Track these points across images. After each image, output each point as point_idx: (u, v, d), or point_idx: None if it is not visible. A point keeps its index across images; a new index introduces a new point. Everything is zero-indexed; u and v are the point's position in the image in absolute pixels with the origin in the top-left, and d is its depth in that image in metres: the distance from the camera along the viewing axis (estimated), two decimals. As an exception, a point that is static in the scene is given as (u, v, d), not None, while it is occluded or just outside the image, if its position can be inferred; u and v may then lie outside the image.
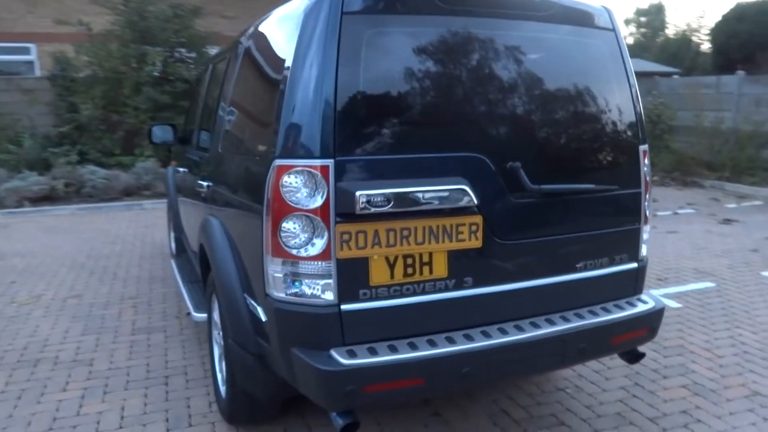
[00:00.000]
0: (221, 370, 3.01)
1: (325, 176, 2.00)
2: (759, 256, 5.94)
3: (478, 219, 2.19)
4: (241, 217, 2.46)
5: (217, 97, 3.09)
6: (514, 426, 2.87)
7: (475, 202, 2.14)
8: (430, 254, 2.16)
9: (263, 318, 2.25)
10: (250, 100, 2.52)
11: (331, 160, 2.00)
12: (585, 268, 2.44)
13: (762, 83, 10.48)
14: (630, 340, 2.49)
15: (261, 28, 2.65)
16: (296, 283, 2.07)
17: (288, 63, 2.13)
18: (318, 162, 2.00)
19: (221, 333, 2.66)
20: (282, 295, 2.10)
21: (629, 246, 2.56)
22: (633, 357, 2.61)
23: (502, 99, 2.26)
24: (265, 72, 2.40)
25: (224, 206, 2.71)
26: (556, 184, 2.30)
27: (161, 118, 10.37)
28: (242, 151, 2.48)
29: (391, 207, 2.03)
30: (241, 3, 14.01)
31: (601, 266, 2.48)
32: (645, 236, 2.61)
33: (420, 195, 2.07)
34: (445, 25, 2.18)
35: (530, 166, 2.25)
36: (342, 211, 2.02)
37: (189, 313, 4.27)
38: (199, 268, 3.24)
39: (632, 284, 2.59)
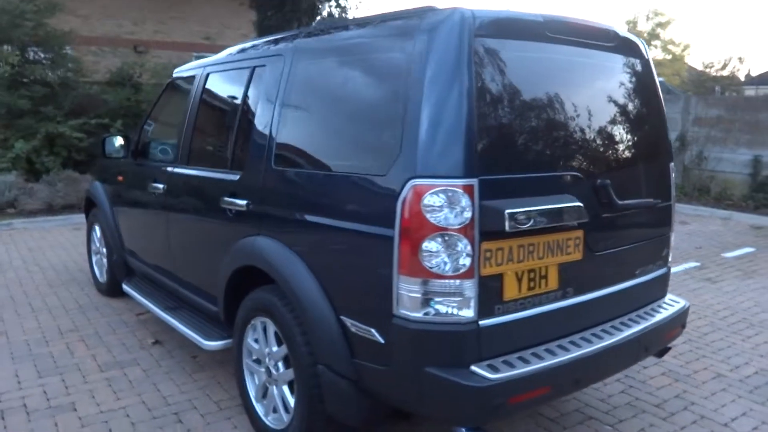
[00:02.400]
0: (258, 399, 2.89)
1: (470, 195, 2.04)
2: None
3: (580, 233, 2.37)
4: (333, 237, 2.37)
5: (257, 112, 2.88)
6: (554, 425, 3.08)
7: (587, 218, 2.31)
8: (547, 268, 2.29)
9: (381, 340, 2.20)
10: (345, 117, 2.41)
11: (476, 179, 2.05)
12: (641, 274, 2.73)
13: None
14: (674, 336, 2.83)
15: (342, 40, 2.54)
16: (433, 302, 2.08)
17: (412, 81, 2.13)
18: (464, 181, 2.04)
19: (296, 358, 2.52)
20: (417, 314, 2.09)
21: (663, 252, 2.90)
22: (663, 351, 2.94)
23: (589, 121, 2.47)
24: (371, 88, 2.33)
25: (290, 226, 2.57)
26: (627, 199, 2.55)
27: (19, 126, 9.23)
28: (338, 169, 2.38)
29: (530, 224, 2.12)
30: (93, 1, 12.93)
31: (650, 271, 2.79)
32: (672, 243, 2.97)
33: (552, 212, 2.19)
34: (551, 52, 2.34)
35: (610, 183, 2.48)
36: (486, 229, 2.07)
37: (155, 342, 3.96)
38: (223, 292, 3.01)
39: (664, 287, 2.93)
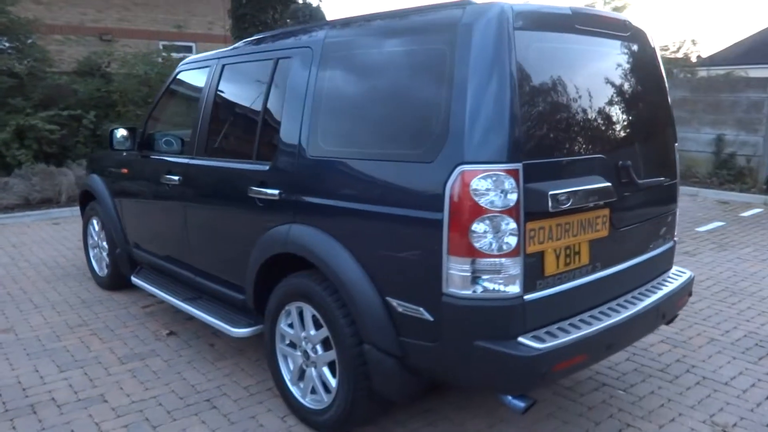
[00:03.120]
0: (294, 382, 2.99)
1: (516, 178, 2.17)
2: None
3: (606, 212, 2.54)
4: (377, 222, 2.46)
5: (285, 103, 2.93)
6: (571, 392, 3.27)
7: (615, 197, 2.48)
8: (579, 244, 2.45)
9: (430, 318, 2.33)
10: (386, 106, 2.49)
11: (520, 164, 2.18)
12: (654, 248, 2.93)
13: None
14: (683, 303, 3.04)
15: (378, 32, 2.60)
16: (481, 280, 2.21)
17: (456, 72, 2.24)
18: (509, 166, 2.17)
19: (338, 340, 2.63)
20: (467, 292, 2.22)
21: (671, 227, 3.10)
22: (673, 318, 3.15)
23: (610, 106, 2.63)
24: (413, 78, 2.41)
25: (329, 213, 2.66)
26: (644, 179, 2.73)
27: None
28: (381, 157, 2.47)
29: (569, 204, 2.27)
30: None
31: (660, 245, 2.99)
32: (677, 218, 3.18)
33: (587, 193, 2.35)
34: (577, 42, 2.49)
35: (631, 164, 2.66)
36: (530, 210, 2.22)
37: (170, 333, 4.00)
38: (253, 280, 3.08)
39: (671, 259, 3.14)
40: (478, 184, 2.16)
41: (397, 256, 2.42)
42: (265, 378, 3.43)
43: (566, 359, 2.30)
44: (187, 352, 3.82)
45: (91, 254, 5.18)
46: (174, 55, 11.53)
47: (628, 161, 2.62)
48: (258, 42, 3.39)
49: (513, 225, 2.18)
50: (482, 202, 2.17)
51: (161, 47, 13.74)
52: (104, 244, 4.88)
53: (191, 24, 13.85)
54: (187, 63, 3.97)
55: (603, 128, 2.60)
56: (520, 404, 2.31)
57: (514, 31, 2.24)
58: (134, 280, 4.35)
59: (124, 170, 4.38)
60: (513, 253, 2.20)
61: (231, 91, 3.47)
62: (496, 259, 2.20)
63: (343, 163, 2.63)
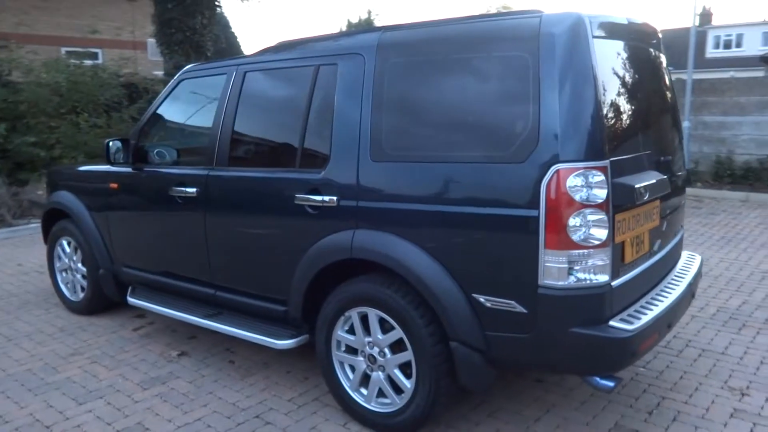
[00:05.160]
0: (355, 388, 3.00)
1: (606, 174, 2.35)
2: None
3: (658, 203, 2.79)
4: (461, 223, 2.53)
5: (337, 110, 2.91)
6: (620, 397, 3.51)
7: (669, 190, 2.73)
8: (644, 233, 2.68)
9: (524, 310, 2.44)
10: (461, 111, 2.56)
11: (608, 161, 2.37)
12: (677, 234, 3.24)
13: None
14: (698, 283, 3.37)
15: (443, 39, 2.68)
16: (576, 270, 2.36)
17: (543, 78, 2.37)
18: (600, 163, 2.34)
19: (416, 340, 2.68)
20: (563, 283, 2.37)
21: (683, 215, 3.43)
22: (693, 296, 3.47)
23: (651, 107, 2.90)
24: (493, 83, 2.50)
25: (402, 216, 2.69)
26: (674, 172, 3.03)
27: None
28: (460, 159, 2.54)
29: (647, 197, 2.49)
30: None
31: (679, 232, 3.31)
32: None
33: (657, 186, 2.58)
34: (630, 49, 2.72)
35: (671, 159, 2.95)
36: (616, 203, 2.40)
37: (181, 354, 3.84)
38: (304, 290, 3.04)
39: (682, 245, 3.47)
40: (573, 181, 2.31)
41: (485, 254, 2.52)
42: (306, 389, 3.39)
43: (648, 339, 2.51)
44: (209, 371, 3.67)
45: (59, 278, 4.80)
46: (87, 62, 10.83)
47: (669, 156, 2.89)
48: (284, 51, 3.34)
49: (604, 218, 2.36)
50: (577, 197, 2.32)
51: (64, 53, 12.86)
52: (79, 266, 4.54)
53: (92, 30, 13.03)
54: (190, 71, 3.82)
55: (648, 126, 2.85)
56: (610, 384, 2.48)
57: (594, 39, 2.42)
58: (132, 300, 4.10)
59: (113, 185, 4.11)
60: (605, 244, 2.37)
61: (259, 100, 3.38)
62: (590, 250, 2.36)
63: (418, 167, 2.68)
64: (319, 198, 2.95)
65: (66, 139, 9.58)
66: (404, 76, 2.76)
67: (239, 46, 13.56)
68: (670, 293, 2.81)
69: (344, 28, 26.04)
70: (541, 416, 3.07)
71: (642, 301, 2.67)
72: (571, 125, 2.35)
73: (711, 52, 36.08)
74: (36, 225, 8.22)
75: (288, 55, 3.29)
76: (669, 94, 3.22)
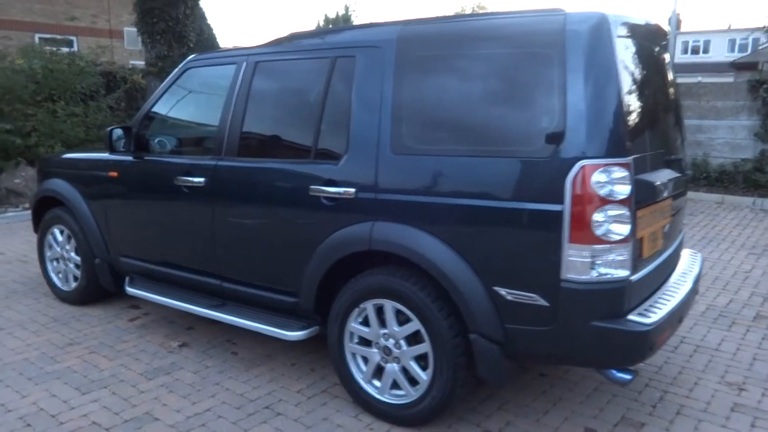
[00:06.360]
0: (368, 380, 3.01)
1: (629, 171, 2.40)
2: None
3: (670, 200, 2.87)
4: (483, 216, 2.56)
5: (355, 102, 2.91)
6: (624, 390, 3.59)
7: (682, 188, 2.81)
8: (658, 230, 2.75)
9: (546, 303, 2.49)
10: (485, 106, 2.58)
11: (631, 157, 2.42)
12: (680, 232, 3.33)
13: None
14: (700, 280, 3.47)
15: (466, 35, 2.69)
16: (598, 265, 2.41)
17: (569, 75, 2.42)
18: (624, 159, 2.39)
19: (434, 332, 2.70)
20: (585, 277, 2.41)
21: (684, 215, 3.52)
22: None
23: (661, 105, 2.97)
24: (518, 79, 2.52)
25: (423, 209, 2.70)
26: (683, 172, 3.11)
27: None
28: (483, 154, 2.57)
29: (666, 193, 2.55)
30: None
31: (681, 231, 3.40)
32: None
33: (675, 183, 2.65)
34: (644, 48, 2.78)
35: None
36: (639, 199, 2.46)
37: (182, 345, 3.80)
38: (318, 282, 3.04)
39: (683, 244, 3.56)
40: (598, 177, 2.36)
41: (508, 247, 2.55)
42: (314, 380, 3.39)
43: (663, 333, 2.58)
44: (212, 362, 3.64)
45: (50, 268, 4.68)
46: (64, 49, 10.58)
47: (680, 155, 2.97)
48: (298, 42, 3.33)
49: (627, 213, 2.41)
50: (602, 193, 2.37)
51: (37, 41, 12.52)
52: (73, 255, 4.44)
53: (70, 17, 12.71)
54: (197, 60, 3.76)
55: (661, 126, 2.93)
56: (627, 376, 2.55)
57: (618, 38, 2.47)
58: (131, 290, 4.03)
59: (113, 173, 4.03)
60: (626, 240, 2.42)
61: (272, 90, 3.35)
62: (613, 245, 2.41)
63: (440, 161, 2.69)
64: (335, 190, 2.95)
65: (42, 127, 9.37)
66: (428, 70, 2.77)
67: (215, 39, 13.35)
68: (679, 289, 2.89)
69: (321, 23, 25.94)
70: (549, 409, 3.13)
71: (654, 297, 2.74)
72: (596, 122, 2.39)
73: (680, 57, 37.04)
74: (14, 214, 8.04)
75: (302, 46, 3.28)
76: (675, 96, 3.31)
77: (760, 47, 21.74)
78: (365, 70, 2.94)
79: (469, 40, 2.70)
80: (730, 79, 15.60)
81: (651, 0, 71.13)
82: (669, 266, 3.06)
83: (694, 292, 3.11)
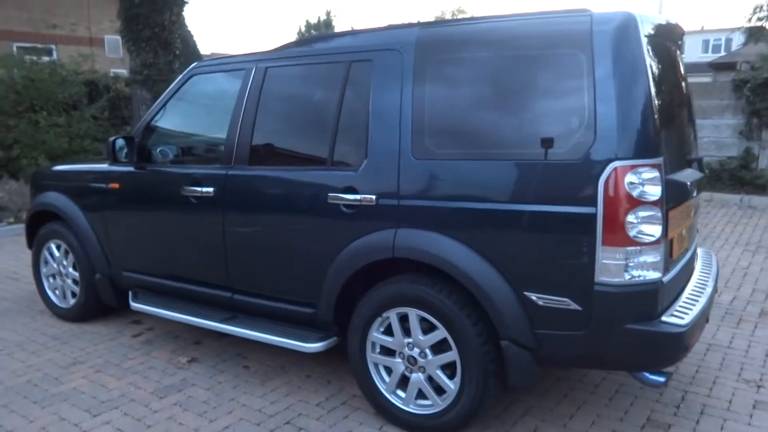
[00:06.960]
0: (391, 391, 2.95)
1: (660, 171, 2.38)
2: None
3: (692, 201, 2.85)
4: (513, 220, 2.51)
5: (373, 107, 2.84)
6: (645, 391, 3.57)
7: (704, 189, 2.80)
8: (683, 230, 2.74)
9: (578, 308, 2.45)
10: (512, 108, 2.54)
11: (662, 158, 2.40)
12: (697, 233, 3.32)
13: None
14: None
15: (489, 37, 2.66)
16: (631, 267, 2.38)
17: (599, 76, 2.38)
18: (655, 160, 2.37)
19: (462, 340, 2.65)
20: (619, 279, 2.38)
21: (699, 214, 3.53)
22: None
23: (680, 105, 2.97)
24: (545, 81, 2.49)
25: (449, 215, 2.64)
26: (703, 172, 3.11)
27: None
28: (510, 157, 2.53)
29: (695, 193, 2.54)
30: None
31: (697, 230, 3.39)
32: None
33: (700, 183, 2.64)
34: (665, 48, 2.77)
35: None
36: (670, 200, 2.44)
37: (191, 360, 3.71)
38: (338, 291, 2.97)
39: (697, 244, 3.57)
40: (630, 178, 2.34)
41: (539, 252, 2.51)
42: (332, 393, 3.31)
43: (696, 333, 2.56)
44: (224, 377, 3.54)
45: (46, 284, 4.54)
46: (44, 58, 10.35)
47: (701, 156, 2.96)
48: (310, 46, 3.26)
49: (659, 214, 2.39)
50: (635, 194, 2.34)
51: (15, 50, 12.25)
52: (71, 270, 4.31)
53: (51, 24, 12.46)
54: (202, 66, 3.67)
55: (683, 126, 2.92)
56: (660, 379, 2.52)
57: (645, 38, 2.46)
58: (135, 305, 3.91)
59: (114, 185, 3.91)
60: (659, 241, 2.40)
61: (284, 97, 3.27)
62: (646, 247, 2.38)
63: (466, 165, 2.65)
64: (355, 197, 2.88)
65: (25, 139, 9.13)
66: (450, 73, 2.72)
67: (196, 45, 13.18)
68: (704, 288, 2.88)
69: (303, 28, 25.87)
70: (574, 413, 3.09)
71: (681, 297, 2.73)
72: (627, 123, 2.37)
73: (654, 58, 37.57)
74: (-2, 229, 7.80)
75: (315, 50, 3.22)
76: (689, 94, 3.31)
77: (738, 47, 22.19)
78: (383, 73, 2.88)
79: (492, 42, 2.66)
80: (709, 79, 15.83)
81: (628, 2, 72.32)
82: (691, 266, 3.06)
83: (715, 290, 3.10)
